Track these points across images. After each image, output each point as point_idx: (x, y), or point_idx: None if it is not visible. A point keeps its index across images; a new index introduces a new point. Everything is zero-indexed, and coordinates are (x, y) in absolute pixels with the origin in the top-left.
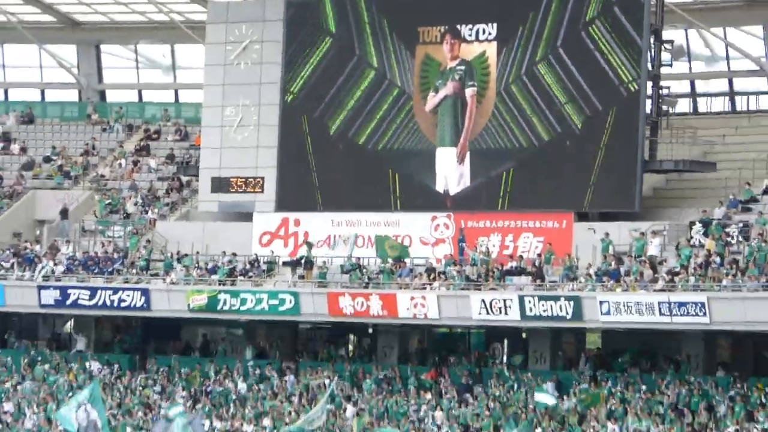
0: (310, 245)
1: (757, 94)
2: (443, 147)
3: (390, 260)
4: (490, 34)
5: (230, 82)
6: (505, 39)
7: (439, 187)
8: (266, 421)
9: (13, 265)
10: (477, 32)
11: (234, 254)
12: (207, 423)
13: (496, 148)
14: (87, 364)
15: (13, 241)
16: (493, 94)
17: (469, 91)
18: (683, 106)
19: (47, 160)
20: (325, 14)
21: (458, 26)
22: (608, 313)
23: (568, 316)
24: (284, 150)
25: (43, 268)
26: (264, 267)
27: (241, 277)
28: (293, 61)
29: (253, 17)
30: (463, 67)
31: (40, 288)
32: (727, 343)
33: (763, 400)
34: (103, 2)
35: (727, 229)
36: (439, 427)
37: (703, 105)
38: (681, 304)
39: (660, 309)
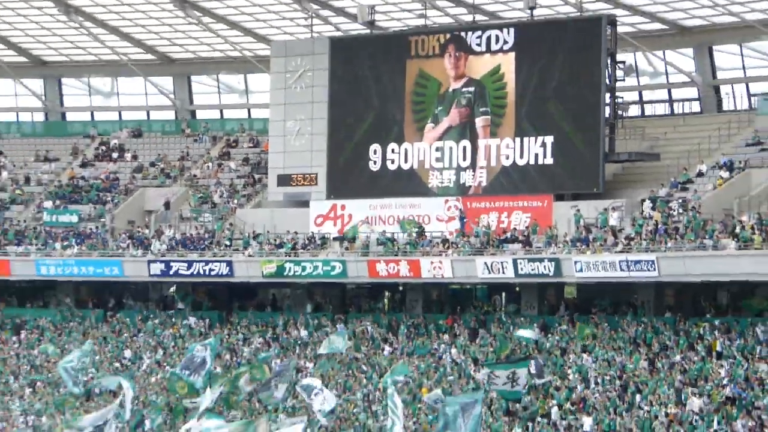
0: (353, 228)
1: (690, 100)
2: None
3: (414, 234)
4: (506, 42)
5: (290, 102)
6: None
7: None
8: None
9: (128, 245)
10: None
11: (296, 232)
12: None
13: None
14: (186, 319)
15: (127, 227)
16: (512, 121)
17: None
18: (634, 110)
19: (152, 164)
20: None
21: (463, 34)
22: (581, 270)
23: (551, 274)
24: (332, 152)
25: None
26: (318, 242)
27: (302, 250)
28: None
29: (306, 51)
30: (471, 89)
31: (149, 262)
32: (671, 291)
33: (701, 333)
34: (193, 42)
35: (669, 204)
36: (454, 361)
37: (649, 110)
38: (636, 262)
39: (620, 266)
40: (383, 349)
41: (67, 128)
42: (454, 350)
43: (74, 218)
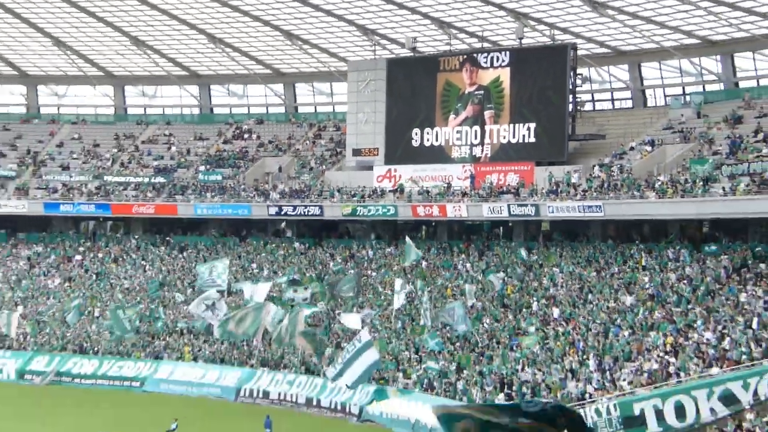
0: (401, 184)
1: (625, 99)
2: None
3: (442, 188)
4: (503, 61)
5: (360, 101)
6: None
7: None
8: (383, 269)
9: (254, 195)
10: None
11: (364, 187)
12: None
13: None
14: (292, 244)
15: (253, 183)
16: (507, 113)
17: (487, 113)
18: (588, 106)
19: (270, 142)
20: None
21: (475, 55)
22: (553, 212)
23: (532, 214)
24: (387, 134)
25: (269, 195)
26: (379, 193)
27: (368, 198)
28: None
29: (371, 67)
30: (481, 92)
31: (268, 206)
32: (612, 226)
33: (632, 253)
34: (296, 61)
35: (611, 168)
36: (467, 272)
37: (598, 105)
38: (588, 207)
39: (578, 209)
40: (421, 263)
41: (214, 118)
42: (468, 265)
43: (219, 177)
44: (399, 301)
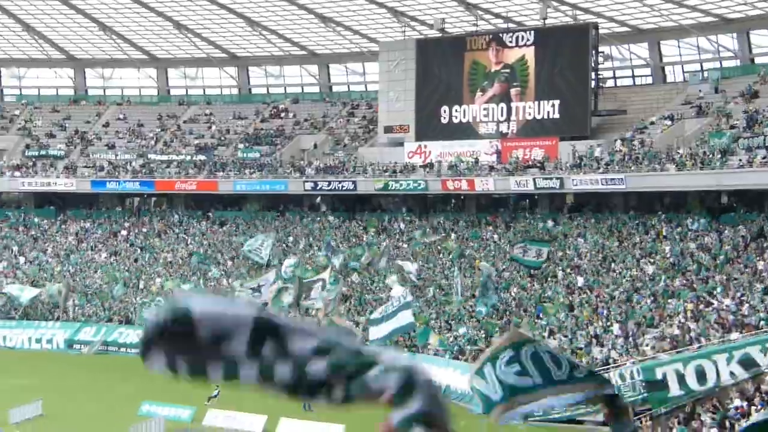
0: (430, 162)
1: (645, 76)
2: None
3: (470, 163)
4: (528, 40)
5: (391, 80)
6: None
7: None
8: (413, 242)
9: (291, 171)
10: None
11: (395, 162)
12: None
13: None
14: (327, 217)
15: (290, 159)
16: (532, 90)
17: (513, 91)
18: (610, 83)
19: (305, 120)
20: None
21: (501, 35)
22: (576, 185)
23: (557, 187)
24: (417, 111)
25: (304, 171)
26: (410, 168)
27: (399, 173)
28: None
29: (401, 48)
30: (507, 71)
31: (304, 181)
32: (634, 197)
33: (653, 224)
34: (330, 42)
35: (633, 142)
36: (496, 243)
37: (619, 82)
38: (611, 179)
39: (601, 182)
40: (450, 235)
41: (252, 98)
42: (495, 236)
43: (257, 154)
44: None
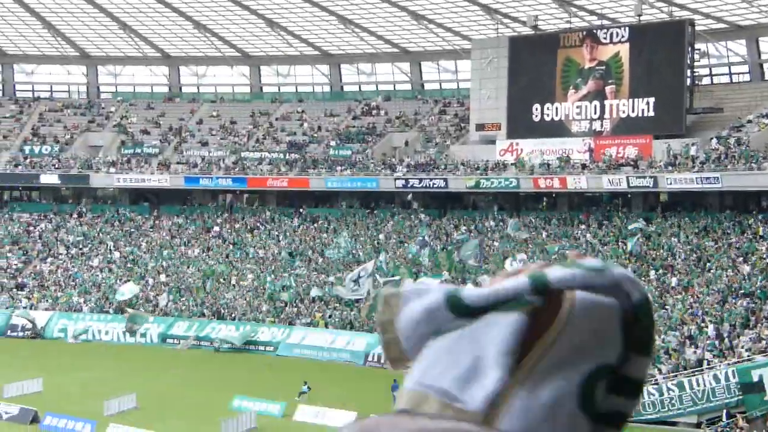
0: (521, 160)
1: (742, 73)
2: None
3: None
4: (623, 36)
5: (483, 78)
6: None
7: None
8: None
9: (382, 168)
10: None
11: (487, 160)
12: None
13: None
14: (418, 215)
15: (381, 157)
16: (627, 88)
17: (608, 88)
18: (706, 80)
19: (397, 117)
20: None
21: (595, 31)
22: (670, 183)
23: (650, 186)
24: (509, 109)
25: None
26: (501, 166)
27: (490, 171)
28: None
29: (493, 46)
30: (602, 68)
31: (395, 179)
32: (730, 196)
33: (750, 223)
34: (422, 40)
35: (728, 140)
36: (588, 241)
37: (716, 80)
38: (706, 178)
39: (696, 181)
40: (542, 234)
41: (344, 96)
42: (588, 235)
43: (348, 152)
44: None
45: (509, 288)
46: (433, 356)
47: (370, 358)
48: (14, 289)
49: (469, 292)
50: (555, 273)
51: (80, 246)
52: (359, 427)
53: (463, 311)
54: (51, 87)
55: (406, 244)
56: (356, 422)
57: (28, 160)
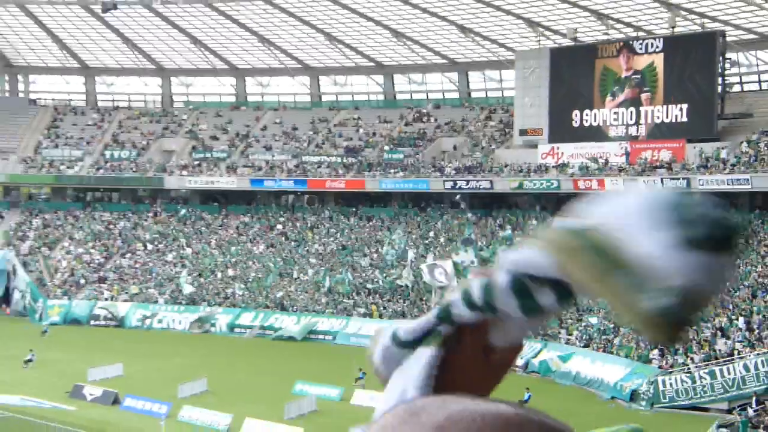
0: (564, 164)
1: None
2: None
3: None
4: (657, 47)
5: (526, 86)
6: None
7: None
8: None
9: (431, 171)
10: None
11: (529, 163)
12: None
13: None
14: (466, 214)
15: (431, 160)
16: (661, 95)
17: (644, 96)
18: (736, 87)
19: (446, 124)
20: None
21: (631, 42)
22: (703, 185)
23: (684, 186)
24: (551, 115)
25: (444, 170)
26: (543, 168)
27: (533, 173)
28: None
29: (535, 57)
30: (637, 76)
31: (444, 180)
32: (760, 196)
33: None
34: (469, 51)
35: (758, 144)
36: None
37: (746, 87)
38: (737, 179)
39: (727, 182)
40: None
41: (397, 104)
42: None
43: (401, 155)
44: None
45: (425, 322)
46: (389, 386)
47: None
48: (97, 282)
49: (403, 327)
50: (456, 303)
51: (156, 242)
52: (406, 407)
53: (403, 344)
54: (129, 97)
55: (454, 242)
56: (404, 404)
57: (108, 164)
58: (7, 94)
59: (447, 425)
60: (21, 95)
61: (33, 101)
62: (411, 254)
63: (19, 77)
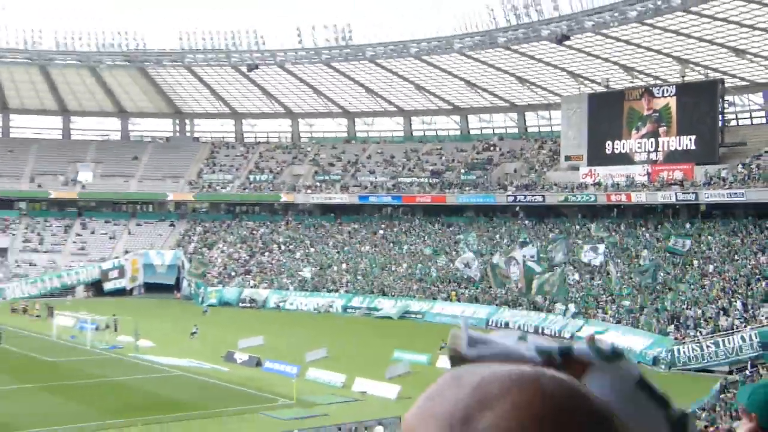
0: (599, 182)
1: (761, 117)
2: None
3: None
4: (671, 92)
5: (570, 123)
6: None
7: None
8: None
9: (497, 188)
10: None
11: (572, 183)
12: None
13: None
14: (523, 222)
15: (497, 180)
16: (675, 128)
17: (661, 130)
18: (733, 123)
19: (508, 152)
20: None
21: (651, 88)
22: (708, 197)
23: (693, 199)
24: (589, 145)
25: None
26: (583, 186)
27: (576, 190)
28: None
29: (577, 100)
30: (656, 114)
31: (507, 196)
32: (752, 207)
33: (767, 226)
34: (527, 94)
35: (751, 166)
36: (647, 239)
37: (741, 122)
38: (735, 193)
39: (726, 195)
40: (613, 234)
41: (470, 137)
42: (647, 234)
43: (473, 177)
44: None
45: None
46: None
47: (490, 323)
48: (243, 274)
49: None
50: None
51: (287, 244)
52: (452, 373)
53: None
54: (267, 135)
55: (514, 242)
56: (451, 369)
57: (252, 185)
58: (177, 134)
59: (482, 383)
60: (188, 134)
61: (196, 139)
62: (479, 253)
63: (186, 121)
